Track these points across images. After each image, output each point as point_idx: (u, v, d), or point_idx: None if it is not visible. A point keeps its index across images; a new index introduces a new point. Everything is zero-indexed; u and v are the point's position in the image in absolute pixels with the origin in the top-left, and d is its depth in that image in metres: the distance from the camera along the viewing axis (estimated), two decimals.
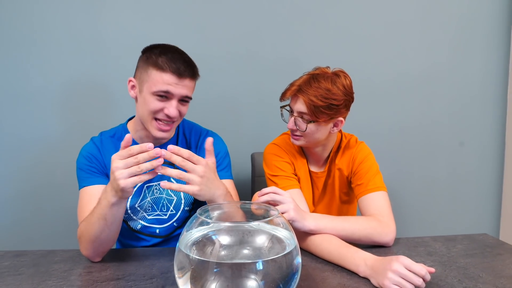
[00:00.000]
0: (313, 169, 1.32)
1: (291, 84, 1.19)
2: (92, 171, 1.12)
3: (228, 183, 1.18)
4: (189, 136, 1.25)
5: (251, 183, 1.63)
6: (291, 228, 0.72)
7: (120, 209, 0.91)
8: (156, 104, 1.08)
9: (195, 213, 0.71)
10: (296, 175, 1.28)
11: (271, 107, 1.72)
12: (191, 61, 1.12)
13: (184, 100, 1.12)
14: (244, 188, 1.75)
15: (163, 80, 1.06)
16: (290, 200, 0.99)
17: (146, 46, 1.12)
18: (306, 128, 1.17)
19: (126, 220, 1.21)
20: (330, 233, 1.03)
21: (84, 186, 1.12)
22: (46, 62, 1.59)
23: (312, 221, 1.02)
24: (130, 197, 1.16)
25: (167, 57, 1.07)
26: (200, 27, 1.68)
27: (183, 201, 1.22)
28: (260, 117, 1.78)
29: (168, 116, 1.09)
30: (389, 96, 1.86)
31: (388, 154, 1.87)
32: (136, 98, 1.14)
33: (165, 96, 1.08)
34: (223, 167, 1.22)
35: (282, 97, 1.21)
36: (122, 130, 1.21)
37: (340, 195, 1.33)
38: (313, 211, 1.32)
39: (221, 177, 1.15)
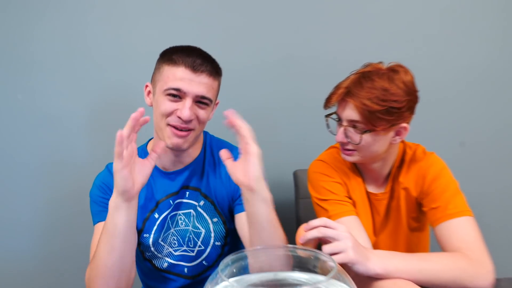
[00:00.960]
0: (371, 189, 1.06)
1: (337, 87, 0.96)
2: (106, 203, 0.95)
3: None
4: (218, 155, 1.05)
5: (295, 206, 1.39)
6: (353, 284, 0.49)
7: (127, 217, 0.78)
8: (167, 105, 0.91)
9: (221, 262, 0.51)
10: (350, 198, 1.03)
11: (314, 115, 1.48)
12: (210, 57, 0.95)
13: (201, 102, 0.93)
14: (287, 213, 1.52)
15: (175, 75, 0.90)
16: (347, 236, 0.75)
17: None
18: (361, 140, 0.93)
19: (150, 259, 1.02)
20: (404, 277, 0.78)
21: (98, 222, 0.96)
22: (72, 82, 1.46)
23: (378, 262, 0.77)
24: (153, 233, 0.98)
25: (183, 52, 0.91)
26: (224, 32, 1.49)
27: (212, 234, 1.01)
28: (302, 128, 1.54)
29: (180, 119, 0.91)
30: (457, 96, 1.56)
31: (460, 168, 1.55)
32: (152, 105, 0.97)
33: (177, 95, 0.90)
34: None
35: (327, 104, 0.98)
36: (141, 153, 1.04)
37: (409, 221, 1.06)
38: (375, 242, 1.06)
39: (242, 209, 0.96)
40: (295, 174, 1.40)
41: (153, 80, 0.97)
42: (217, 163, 1.03)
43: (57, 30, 1.43)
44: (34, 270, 1.50)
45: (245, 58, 1.49)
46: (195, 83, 0.90)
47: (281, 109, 1.53)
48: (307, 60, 1.51)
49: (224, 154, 0.80)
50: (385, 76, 0.92)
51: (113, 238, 0.77)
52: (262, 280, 0.54)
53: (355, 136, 0.95)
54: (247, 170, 0.74)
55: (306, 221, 1.36)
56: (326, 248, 0.75)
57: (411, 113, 0.96)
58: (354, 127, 0.94)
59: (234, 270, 0.53)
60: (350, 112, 0.93)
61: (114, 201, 0.77)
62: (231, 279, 0.51)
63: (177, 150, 0.96)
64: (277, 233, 0.79)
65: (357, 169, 1.07)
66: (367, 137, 0.94)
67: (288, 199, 1.53)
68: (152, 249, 1.01)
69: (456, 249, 0.86)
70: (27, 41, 1.42)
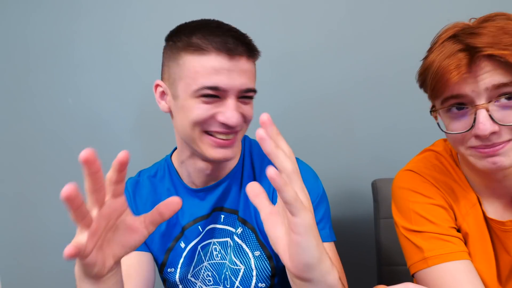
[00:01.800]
0: (493, 214, 0.69)
1: (444, 63, 0.58)
2: None
3: (326, 248, 0.67)
4: (259, 164, 0.77)
5: (374, 227, 1.06)
6: None
7: None
8: (202, 109, 0.66)
9: None
10: (458, 230, 0.68)
11: (402, 107, 1.14)
12: (239, 31, 0.68)
13: (246, 96, 0.68)
14: (364, 230, 1.19)
15: (206, 67, 0.64)
16: None
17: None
18: None
19: None
20: None
21: None
22: (119, 84, 1.31)
23: None
24: (179, 266, 0.75)
25: (206, 31, 0.65)
26: (281, 13, 1.20)
27: (254, 273, 0.74)
28: (384, 124, 1.19)
29: (226, 125, 0.66)
30: None
31: None
32: (170, 111, 0.72)
33: (214, 95, 0.65)
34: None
35: (439, 92, 0.61)
36: (165, 166, 0.81)
37: None
38: None
39: None
40: (374, 185, 1.07)
41: (167, 77, 0.71)
42: (260, 176, 0.76)
43: (102, 30, 1.29)
44: None
45: (308, 41, 1.19)
46: (235, 73, 0.65)
47: (355, 99, 1.20)
48: (384, 40, 1.16)
49: (252, 189, 0.46)
50: (495, 22, 0.58)
51: None
52: None
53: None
54: (293, 252, 0.44)
55: (389, 245, 1.04)
56: None
57: None
58: (508, 98, 0.57)
59: None
60: (493, 78, 0.56)
61: (77, 270, 0.49)
62: None
63: (221, 162, 0.72)
64: None
65: (468, 182, 0.71)
66: None
67: (366, 214, 1.20)
68: (180, 287, 0.78)
69: None
70: (72, 42, 1.30)
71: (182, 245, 0.77)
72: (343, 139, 1.22)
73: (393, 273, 1.00)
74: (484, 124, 0.56)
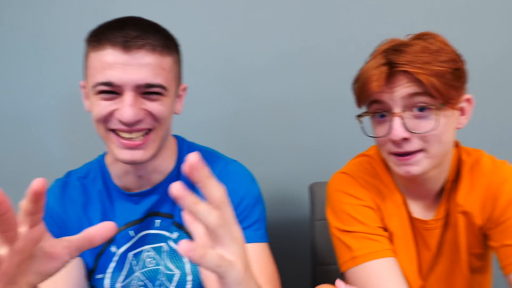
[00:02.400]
0: (417, 214, 0.75)
1: (368, 74, 0.65)
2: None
3: (257, 250, 0.68)
4: None
5: (311, 231, 1.09)
6: None
7: None
8: (101, 107, 0.63)
9: None
10: (385, 229, 0.73)
11: (340, 114, 1.19)
12: (155, 25, 0.66)
13: (149, 92, 0.64)
14: (300, 234, 1.22)
15: (102, 62, 0.62)
16: None
17: None
18: (437, 122, 0.63)
19: None
20: None
21: None
22: (39, 79, 1.21)
23: None
24: (109, 271, 0.71)
25: (111, 27, 0.63)
26: (237, 19, 1.20)
27: (189, 278, 0.73)
28: (322, 130, 1.24)
29: (121, 122, 0.63)
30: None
31: None
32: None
33: (111, 91, 0.63)
34: (250, 223, 0.72)
35: (363, 97, 0.67)
36: (97, 167, 0.77)
37: (470, 260, 0.74)
38: None
39: (247, 240, 0.66)
40: (311, 189, 1.10)
41: (84, 76, 0.69)
42: None
43: (30, 21, 1.19)
44: None
45: (252, 48, 1.20)
46: (131, 67, 0.61)
47: (296, 105, 1.23)
48: (328, 48, 1.21)
49: (176, 189, 0.36)
50: (423, 40, 0.65)
51: None
52: None
53: (422, 122, 0.63)
54: None
55: (323, 246, 1.08)
56: None
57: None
58: (419, 109, 0.63)
59: None
60: (407, 90, 0.62)
61: None
62: None
63: (135, 165, 0.69)
64: None
65: (395, 184, 0.76)
66: (441, 117, 0.63)
67: (303, 217, 1.23)
68: None
69: None
70: None
71: (113, 249, 0.73)
72: (282, 144, 1.24)
73: (326, 272, 1.04)
74: (397, 130, 0.62)
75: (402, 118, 0.63)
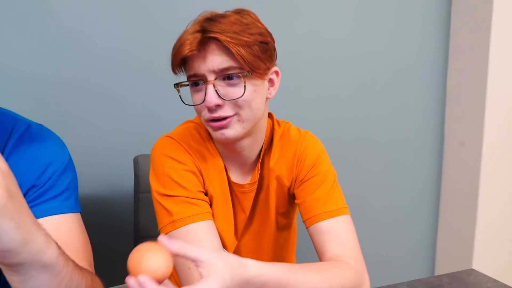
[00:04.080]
0: (236, 179, 0.80)
1: (183, 39, 0.68)
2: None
3: (66, 221, 0.62)
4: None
5: (134, 204, 1.04)
6: None
7: None
8: None
9: None
10: (206, 193, 0.75)
11: (164, 84, 1.16)
12: None
13: None
14: (125, 211, 1.16)
15: None
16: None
17: None
18: (244, 89, 0.68)
19: None
20: None
21: None
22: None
23: (255, 268, 0.55)
24: None
25: None
26: None
27: None
28: (148, 101, 1.19)
29: None
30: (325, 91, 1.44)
31: None
32: None
33: None
34: (58, 193, 0.64)
35: (176, 64, 0.70)
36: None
37: (277, 218, 0.84)
38: (236, 247, 0.82)
39: (54, 211, 0.62)
40: (135, 161, 1.05)
41: None
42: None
43: None
44: None
45: None
46: None
47: (121, 75, 1.15)
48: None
49: None
50: (237, 14, 0.70)
51: None
52: None
53: (233, 89, 0.68)
54: None
55: (147, 218, 1.05)
56: None
57: (276, 57, 0.75)
58: (229, 78, 0.67)
59: None
60: (218, 58, 0.66)
61: None
62: None
63: None
64: None
65: (218, 151, 0.79)
66: (249, 85, 0.68)
67: (127, 192, 1.17)
68: None
69: (336, 257, 0.70)
70: None
71: None
72: (105, 114, 1.14)
73: None
74: (210, 97, 0.67)
75: (214, 86, 0.67)
